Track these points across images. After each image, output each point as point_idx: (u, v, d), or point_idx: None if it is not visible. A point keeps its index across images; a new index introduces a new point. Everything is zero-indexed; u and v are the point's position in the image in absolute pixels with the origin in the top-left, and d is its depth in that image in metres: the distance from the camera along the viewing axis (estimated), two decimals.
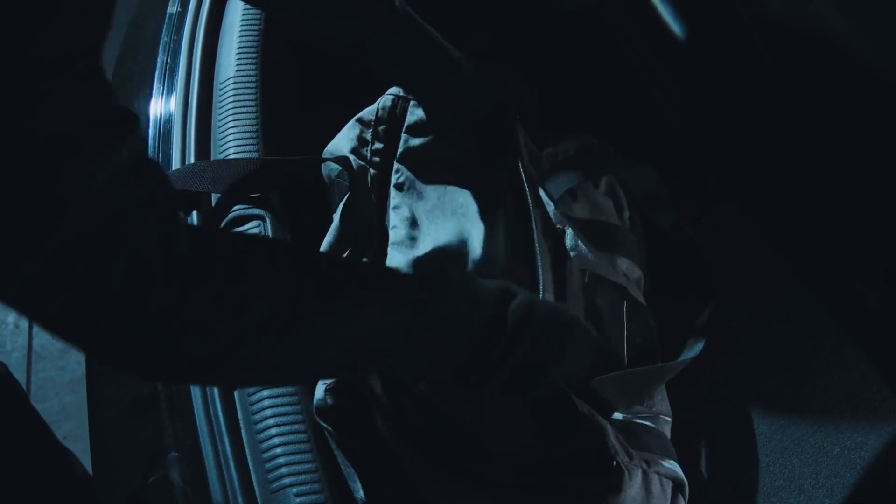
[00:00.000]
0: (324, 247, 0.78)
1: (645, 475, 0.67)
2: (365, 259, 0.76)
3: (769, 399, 0.90)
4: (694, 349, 0.77)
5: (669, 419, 0.79)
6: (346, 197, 0.79)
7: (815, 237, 0.38)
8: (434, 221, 0.76)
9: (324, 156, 0.81)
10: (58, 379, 1.43)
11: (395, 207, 0.77)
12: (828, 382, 0.88)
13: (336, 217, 0.79)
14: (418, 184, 0.77)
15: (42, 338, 1.51)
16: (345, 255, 0.77)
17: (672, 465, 0.72)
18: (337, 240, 0.78)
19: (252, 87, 0.80)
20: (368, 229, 0.78)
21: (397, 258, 0.74)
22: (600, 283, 0.79)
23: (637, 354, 0.79)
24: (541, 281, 0.71)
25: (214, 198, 0.74)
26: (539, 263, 0.72)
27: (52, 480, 0.78)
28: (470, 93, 0.79)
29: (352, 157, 0.79)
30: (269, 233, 0.71)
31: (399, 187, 0.78)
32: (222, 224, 0.72)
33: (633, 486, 0.65)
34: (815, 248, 0.38)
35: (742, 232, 0.64)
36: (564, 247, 0.78)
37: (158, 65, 0.85)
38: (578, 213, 0.83)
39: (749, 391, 0.91)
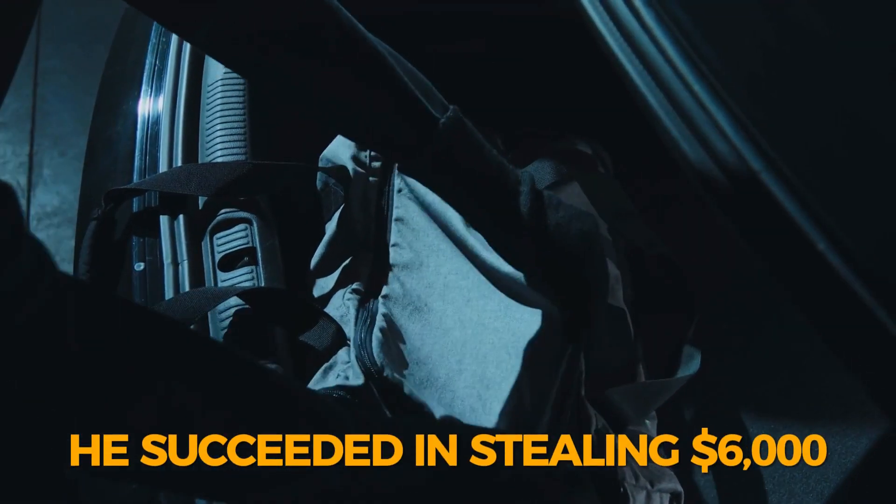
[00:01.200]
0: (316, 258, 0.76)
1: (647, 495, 0.68)
2: (360, 284, 0.74)
3: (760, 403, 0.90)
4: (692, 364, 0.77)
5: (655, 419, 0.79)
6: (342, 207, 0.77)
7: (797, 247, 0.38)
8: (435, 230, 0.74)
9: (321, 160, 0.80)
10: None
11: (398, 219, 0.76)
12: (819, 386, 0.88)
13: (331, 226, 0.77)
14: (419, 190, 0.75)
15: None
16: (341, 266, 0.76)
17: (670, 477, 0.73)
18: (330, 251, 0.77)
19: (240, 90, 0.80)
20: (365, 240, 0.77)
21: (399, 282, 0.73)
22: None
23: (618, 368, 0.78)
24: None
25: (201, 200, 0.74)
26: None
27: (40, 482, 0.78)
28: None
29: (350, 165, 0.78)
30: (256, 237, 0.71)
31: (401, 192, 0.76)
32: (209, 227, 0.71)
33: None
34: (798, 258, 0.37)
35: (731, 235, 0.63)
36: None
37: (147, 66, 0.85)
38: None
39: (740, 395, 0.91)
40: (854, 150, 0.38)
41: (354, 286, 0.73)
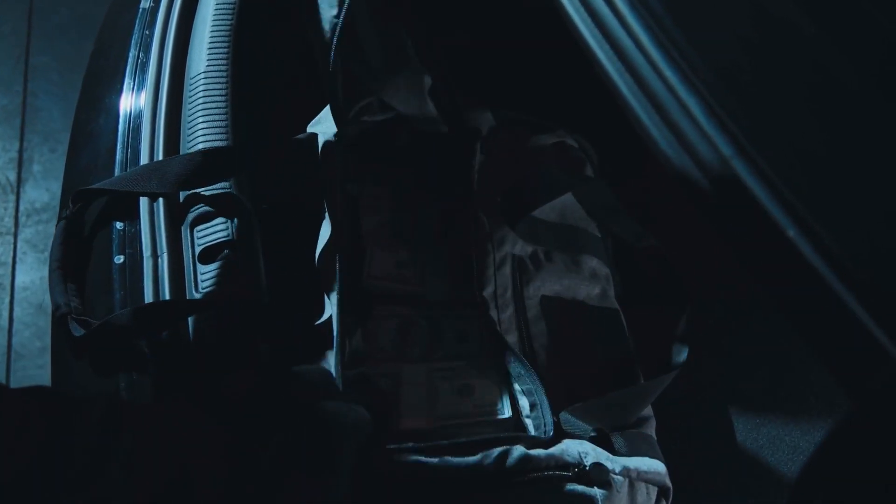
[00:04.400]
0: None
1: (631, 485, 0.67)
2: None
3: (745, 399, 0.90)
4: (678, 360, 0.77)
5: (653, 420, 0.79)
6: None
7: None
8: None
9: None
10: (37, 377, 1.42)
11: None
12: (804, 382, 0.88)
13: None
14: None
15: (22, 336, 1.50)
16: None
17: (659, 470, 0.72)
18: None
19: (223, 83, 0.79)
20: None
21: None
22: (560, 304, 0.79)
23: (616, 368, 0.78)
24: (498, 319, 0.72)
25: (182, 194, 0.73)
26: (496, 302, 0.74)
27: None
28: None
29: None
30: (237, 230, 0.70)
31: None
32: (189, 220, 0.71)
33: (620, 500, 0.65)
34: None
35: (714, 232, 0.63)
36: (520, 272, 0.79)
37: (130, 59, 0.84)
38: (543, 216, 0.83)
39: (726, 391, 0.91)
40: (825, 138, 0.38)
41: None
